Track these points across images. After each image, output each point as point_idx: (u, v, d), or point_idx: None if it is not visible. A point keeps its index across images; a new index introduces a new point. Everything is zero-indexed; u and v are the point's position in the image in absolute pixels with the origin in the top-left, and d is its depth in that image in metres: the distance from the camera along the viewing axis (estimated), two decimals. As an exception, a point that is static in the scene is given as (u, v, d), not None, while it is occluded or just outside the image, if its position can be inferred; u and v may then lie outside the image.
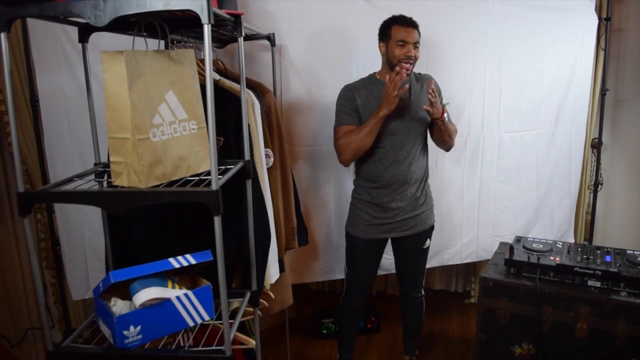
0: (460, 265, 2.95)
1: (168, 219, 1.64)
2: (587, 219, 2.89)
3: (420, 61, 1.99)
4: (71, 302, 2.44)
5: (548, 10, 2.42)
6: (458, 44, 2.38)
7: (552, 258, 2.05)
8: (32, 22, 1.98)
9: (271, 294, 1.85)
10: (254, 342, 1.63)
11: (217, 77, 1.71)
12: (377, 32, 2.01)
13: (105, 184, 1.39)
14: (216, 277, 1.24)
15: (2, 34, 1.12)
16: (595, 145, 2.78)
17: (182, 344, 1.41)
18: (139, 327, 1.24)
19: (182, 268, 1.33)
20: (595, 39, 2.58)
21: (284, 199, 2.03)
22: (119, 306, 1.28)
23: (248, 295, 1.61)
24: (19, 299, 2.38)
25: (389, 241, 2.18)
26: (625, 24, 2.74)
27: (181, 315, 1.30)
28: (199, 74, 1.41)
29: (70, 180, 1.36)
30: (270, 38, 2.12)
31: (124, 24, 1.34)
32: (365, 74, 2.09)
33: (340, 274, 2.50)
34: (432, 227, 2.20)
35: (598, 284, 1.96)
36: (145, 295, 1.26)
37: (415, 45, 1.93)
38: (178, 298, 1.29)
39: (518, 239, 2.28)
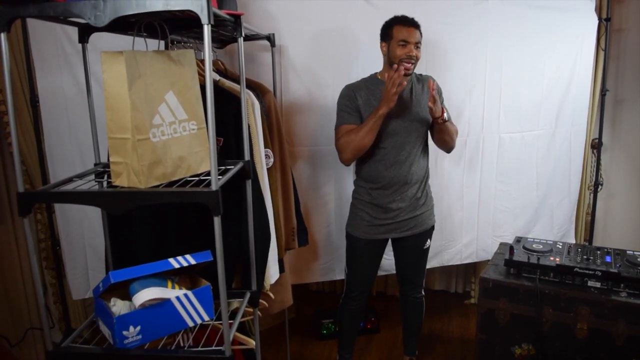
0: (460, 266, 2.95)
1: (168, 220, 1.64)
2: (587, 219, 2.88)
3: (420, 61, 1.99)
4: (71, 302, 2.44)
5: (548, 10, 2.42)
6: (458, 44, 2.38)
7: (552, 258, 2.05)
8: (32, 22, 1.98)
9: (271, 294, 1.85)
10: (253, 343, 1.64)
11: (217, 77, 1.71)
12: (377, 32, 2.01)
13: (105, 184, 1.39)
14: (216, 278, 1.24)
15: (2, 34, 1.12)
16: (596, 146, 2.78)
17: (181, 344, 1.41)
18: (138, 328, 1.24)
19: (182, 268, 1.33)
20: (595, 39, 2.58)
21: (284, 200, 2.03)
22: (118, 306, 1.28)
23: (248, 295, 1.61)
24: (19, 299, 2.38)
25: (389, 241, 2.18)
26: (625, 24, 2.74)
27: (181, 316, 1.30)
28: (199, 74, 1.41)
29: (70, 180, 1.36)
30: (270, 38, 2.12)
31: (123, 24, 1.34)
32: (365, 74, 2.09)
33: (340, 275, 2.50)
34: (433, 228, 2.21)
35: (598, 285, 1.96)
36: (145, 295, 1.26)
37: (417, 45, 1.93)
38: (178, 298, 1.29)
39: (518, 240, 2.28)
